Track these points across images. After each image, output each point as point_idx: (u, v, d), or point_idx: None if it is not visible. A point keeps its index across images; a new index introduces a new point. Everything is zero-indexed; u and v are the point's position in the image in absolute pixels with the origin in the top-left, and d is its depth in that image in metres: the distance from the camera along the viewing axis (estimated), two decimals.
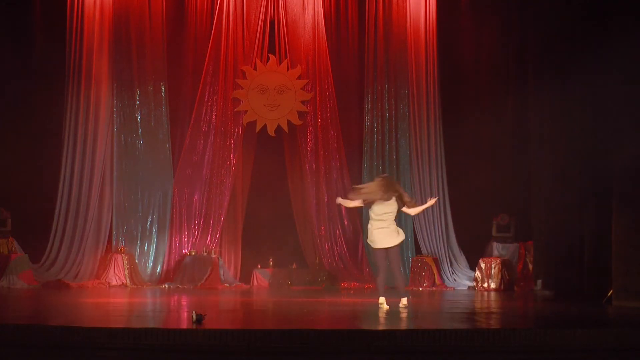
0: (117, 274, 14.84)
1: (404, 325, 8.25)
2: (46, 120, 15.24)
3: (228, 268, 15.69)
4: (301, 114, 15.94)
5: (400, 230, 10.11)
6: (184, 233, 15.65)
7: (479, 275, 14.79)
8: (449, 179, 15.80)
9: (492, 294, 14.01)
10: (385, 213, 10.01)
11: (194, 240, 15.60)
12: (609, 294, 10.98)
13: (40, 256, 14.96)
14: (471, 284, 15.01)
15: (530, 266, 14.81)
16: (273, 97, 15.92)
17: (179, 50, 15.92)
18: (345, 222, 15.78)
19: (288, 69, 15.91)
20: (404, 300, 9.87)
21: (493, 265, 14.69)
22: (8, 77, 15.14)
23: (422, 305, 11.05)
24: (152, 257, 15.50)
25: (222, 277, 15.28)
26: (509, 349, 7.14)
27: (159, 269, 15.44)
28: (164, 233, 15.56)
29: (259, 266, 15.64)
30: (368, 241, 10.22)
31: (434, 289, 14.81)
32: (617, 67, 11.06)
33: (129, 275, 14.89)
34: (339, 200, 10.62)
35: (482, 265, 14.80)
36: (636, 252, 10.54)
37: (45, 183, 15.21)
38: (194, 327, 7.47)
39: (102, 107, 15.46)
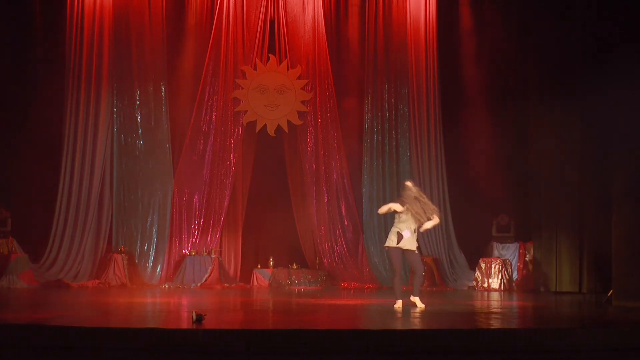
0: (117, 274, 14.84)
1: (404, 325, 8.25)
2: (46, 120, 15.21)
3: (228, 268, 15.69)
4: (301, 114, 15.94)
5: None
6: (184, 233, 15.64)
7: (479, 275, 14.79)
8: (449, 179, 15.80)
9: (492, 294, 14.01)
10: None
11: (194, 240, 15.59)
12: (609, 294, 10.98)
13: (40, 256, 14.95)
14: (471, 284, 15.01)
15: (530, 266, 14.81)
16: (273, 97, 15.91)
17: (179, 50, 15.91)
18: (345, 222, 15.77)
19: (288, 69, 15.91)
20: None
21: (493, 265, 14.69)
22: (8, 77, 15.16)
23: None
24: (152, 257, 15.48)
25: (222, 277, 15.27)
26: (509, 349, 7.14)
27: (159, 269, 15.43)
28: (164, 233, 15.54)
29: (259, 266, 15.63)
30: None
31: (434, 289, 14.80)
32: (618, 68, 11.06)
33: (129, 275, 14.89)
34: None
35: (482, 265, 14.80)
36: (636, 252, 10.54)
37: (45, 183, 15.20)
38: (194, 327, 7.48)
39: (102, 107, 15.46)
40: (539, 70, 14.34)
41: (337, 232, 15.75)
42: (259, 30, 15.81)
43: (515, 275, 15.02)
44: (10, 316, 8.84)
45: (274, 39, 15.90)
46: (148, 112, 15.66)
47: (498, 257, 14.88)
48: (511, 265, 14.90)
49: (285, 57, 15.92)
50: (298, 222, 15.92)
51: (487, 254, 15.17)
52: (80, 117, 15.33)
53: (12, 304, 10.86)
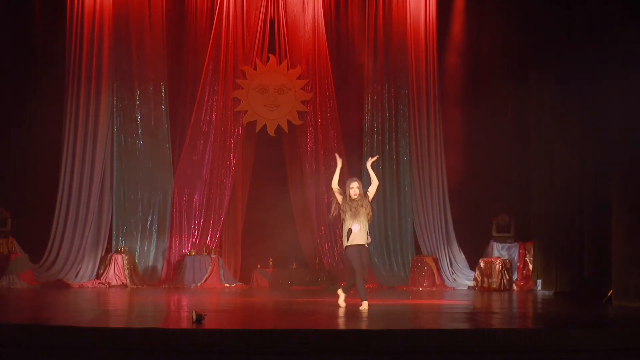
0: (117, 274, 14.83)
1: (404, 325, 8.25)
2: (46, 120, 15.21)
3: (228, 268, 15.69)
4: (301, 114, 15.94)
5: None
6: (184, 233, 15.64)
7: (479, 275, 14.78)
8: (449, 179, 15.80)
9: (492, 294, 14.00)
10: None
11: (194, 240, 15.60)
12: (609, 294, 10.98)
13: (40, 256, 14.96)
14: (471, 284, 15.01)
15: (530, 266, 14.81)
16: (273, 97, 15.92)
17: (179, 50, 15.92)
18: None
19: (288, 69, 15.91)
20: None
21: (493, 265, 14.68)
22: (8, 77, 15.16)
23: (422, 305, 11.05)
24: (152, 257, 15.50)
25: (222, 277, 15.27)
26: (509, 349, 7.14)
27: (159, 269, 15.44)
28: (164, 233, 15.55)
29: (259, 266, 15.63)
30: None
31: (434, 289, 14.80)
32: (617, 67, 11.05)
33: (129, 275, 14.89)
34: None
35: (482, 265, 14.78)
36: (636, 252, 10.54)
37: (45, 183, 15.21)
38: (194, 327, 7.48)
39: (102, 107, 15.46)
40: (540, 71, 14.32)
41: (337, 232, 15.73)
42: (259, 30, 15.81)
43: (515, 275, 15.02)
44: (10, 316, 8.84)
45: (274, 39, 15.90)
46: (148, 112, 15.67)
47: (498, 257, 14.87)
48: (511, 265, 14.90)
49: (285, 57, 15.93)
50: (298, 222, 15.91)
51: (487, 254, 15.17)
52: (80, 117, 15.33)
53: (12, 304, 10.86)
